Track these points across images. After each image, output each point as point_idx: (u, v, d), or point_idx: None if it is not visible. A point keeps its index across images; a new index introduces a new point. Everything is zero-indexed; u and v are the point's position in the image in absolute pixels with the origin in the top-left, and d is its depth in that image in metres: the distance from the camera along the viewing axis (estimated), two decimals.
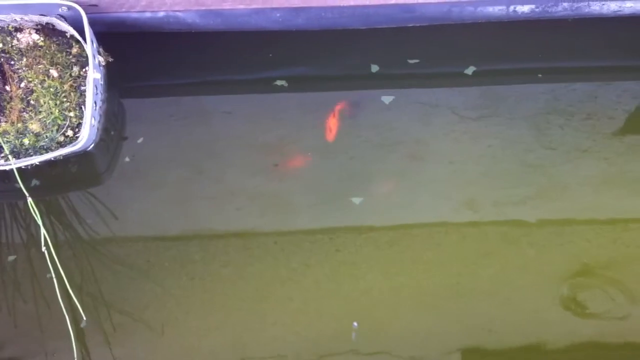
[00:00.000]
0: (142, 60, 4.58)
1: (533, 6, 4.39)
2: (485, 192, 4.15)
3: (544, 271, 3.92)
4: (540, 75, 4.47)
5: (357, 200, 4.15)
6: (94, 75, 4.11)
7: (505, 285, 3.91)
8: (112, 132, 4.38)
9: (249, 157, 4.33)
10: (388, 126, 4.34)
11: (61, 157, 4.08)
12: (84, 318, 3.91)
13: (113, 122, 4.41)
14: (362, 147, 4.30)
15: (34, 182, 4.20)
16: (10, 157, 4.00)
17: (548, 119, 4.33)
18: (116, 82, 4.45)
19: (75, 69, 4.23)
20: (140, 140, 4.36)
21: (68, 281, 3.89)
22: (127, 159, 4.32)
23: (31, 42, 4.24)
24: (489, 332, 3.85)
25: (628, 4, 4.40)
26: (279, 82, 4.48)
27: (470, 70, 4.45)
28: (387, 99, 4.41)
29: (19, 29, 4.26)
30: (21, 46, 4.24)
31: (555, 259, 3.94)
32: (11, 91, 4.19)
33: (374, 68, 4.49)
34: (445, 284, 3.92)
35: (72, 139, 4.10)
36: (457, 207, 4.12)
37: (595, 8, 4.41)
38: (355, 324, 3.93)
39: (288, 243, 4.08)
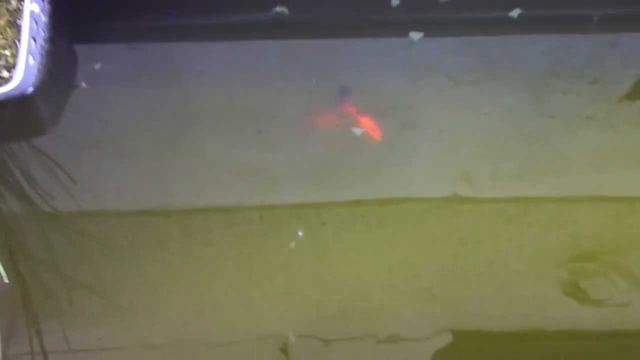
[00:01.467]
0: None
1: None
2: (481, 165, 3.81)
3: (544, 253, 3.57)
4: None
5: (345, 171, 3.81)
6: (30, 7, 3.73)
7: (503, 268, 3.55)
8: (60, 79, 3.95)
9: (229, 123, 3.96)
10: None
11: None
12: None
13: (60, 66, 3.97)
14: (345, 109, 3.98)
15: None
16: None
17: (548, 84, 3.99)
18: (67, 21, 4.03)
19: (13, 2, 3.83)
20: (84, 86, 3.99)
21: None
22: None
23: None
24: (488, 318, 3.49)
25: None
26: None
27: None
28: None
29: None
30: None
31: (556, 240, 3.59)
32: None
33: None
34: (441, 265, 3.57)
35: (8, 80, 3.68)
36: (451, 180, 3.76)
37: None
38: (300, 233, 3.65)
39: (274, 218, 3.71)
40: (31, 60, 3.71)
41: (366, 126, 3.99)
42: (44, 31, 3.84)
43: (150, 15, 4.27)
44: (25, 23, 3.74)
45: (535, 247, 3.58)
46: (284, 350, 3.54)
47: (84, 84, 4.07)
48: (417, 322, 3.55)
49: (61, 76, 4.02)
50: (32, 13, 3.76)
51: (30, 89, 3.76)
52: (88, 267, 3.66)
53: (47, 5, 3.88)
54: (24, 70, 3.66)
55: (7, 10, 3.84)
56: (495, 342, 3.55)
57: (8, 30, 3.82)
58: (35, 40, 3.76)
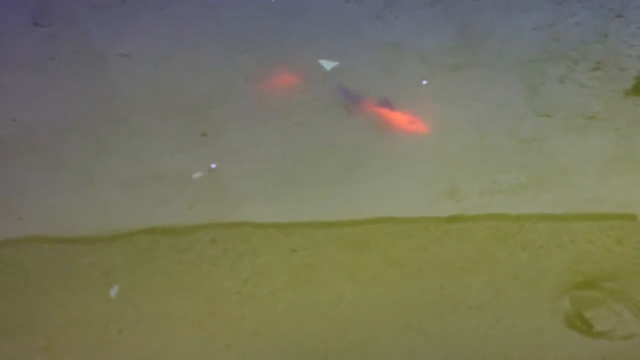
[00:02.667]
0: None
1: None
2: (468, 177, 3.38)
3: (542, 280, 3.16)
4: None
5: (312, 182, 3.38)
6: None
7: (496, 298, 3.14)
8: None
9: (167, 122, 3.50)
10: None
11: None
12: None
13: None
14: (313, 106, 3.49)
15: None
16: None
17: (544, 70, 3.53)
18: None
19: None
20: None
21: None
22: None
23: None
24: (482, 358, 3.08)
25: None
26: None
27: None
28: None
29: None
30: None
31: (553, 265, 3.18)
32: None
33: None
34: (427, 296, 3.16)
35: None
36: (436, 196, 3.35)
37: None
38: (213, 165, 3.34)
39: (230, 242, 3.26)
40: None
41: (404, 123, 3.55)
42: None
43: None
44: None
45: (531, 272, 3.17)
46: None
47: None
48: None
49: None
50: None
51: None
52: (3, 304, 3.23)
53: None
54: None
55: None
56: None
57: None
58: None
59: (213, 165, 3.35)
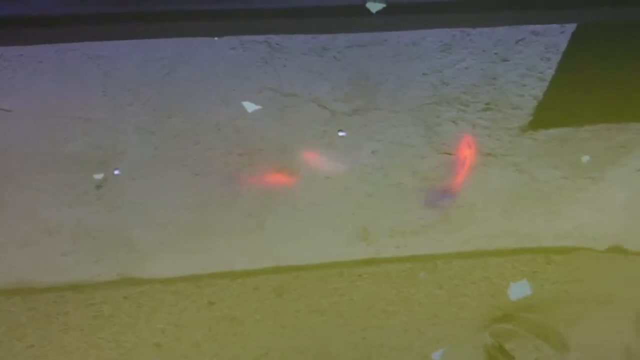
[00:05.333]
0: None
1: None
2: (378, 218, 3.35)
3: (460, 316, 3.21)
4: None
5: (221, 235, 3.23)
6: None
7: (418, 337, 3.15)
8: None
9: (57, 175, 3.25)
10: None
11: None
12: None
13: None
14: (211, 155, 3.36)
15: None
16: None
17: (438, 112, 3.54)
18: None
19: None
20: None
21: None
22: None
23: None
24: None
25: None
26: None
27: None
28: None
29: None
30: None
31: (470, 300, 3.23)
32: None
33: None
34: (351, 341, 3.11)
35: None
36: (347, 240, 3.30)
37: None
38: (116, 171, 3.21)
39: (143, 297, 3.09)
40: None
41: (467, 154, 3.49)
42: None
43: None
44: None
45: (451, 309, 3.21)
46: None
47: None
48: None
49: None
50: None
51: None
52: None
53: None
54: None
55: None
56: None
57: None
58: None
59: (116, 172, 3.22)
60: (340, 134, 3.43)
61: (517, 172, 3.49)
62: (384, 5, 3.68)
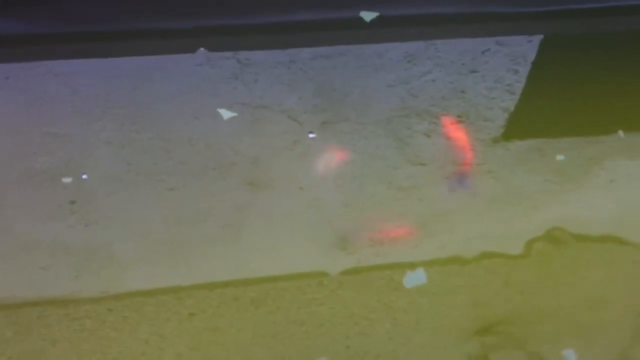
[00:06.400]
0: None
1: None
2: (356, 228, 3.31)
3: (443, 324, 3.13)
4: None
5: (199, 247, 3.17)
6: None
7: (404, 344, 3.06)
8: None
9: (29, 191, 3.20)
10: None
11: None
12: None
13: None
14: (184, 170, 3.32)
15: None
16: None
17: (409, 124, 3.56)
18: None
19: None
20: None
21: None
22: None
23: None
24: None
25: None
26: None
27: None
28: None
29: None
30: None
31: (449, 310, 3.15)
32: None
33: None
34: (334, 349, 3.01)
35: None
36: (327, 248, 3.24)
37: None
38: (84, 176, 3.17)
39: (126, 310, 2.98)
40: None
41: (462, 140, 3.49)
42: None
43: None
44: None
45: (433, 317, 3.13)
46: None
47: None
48: None
49: None
50: None
51: None
52: None
53: None
54: None
55: None
56: None
57: None
58: None
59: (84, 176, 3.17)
60: (311, 135, 3.43)
61: (493, 179, 3.49)
62: (378, 14, 3.73)
